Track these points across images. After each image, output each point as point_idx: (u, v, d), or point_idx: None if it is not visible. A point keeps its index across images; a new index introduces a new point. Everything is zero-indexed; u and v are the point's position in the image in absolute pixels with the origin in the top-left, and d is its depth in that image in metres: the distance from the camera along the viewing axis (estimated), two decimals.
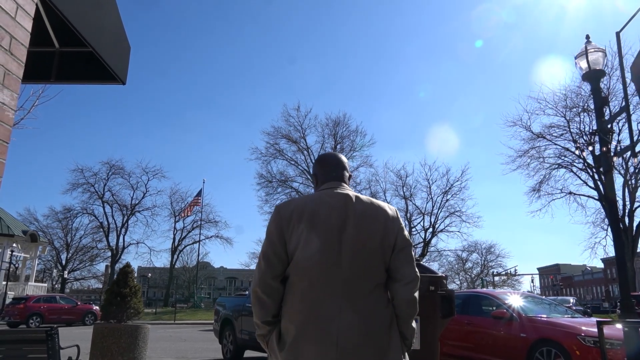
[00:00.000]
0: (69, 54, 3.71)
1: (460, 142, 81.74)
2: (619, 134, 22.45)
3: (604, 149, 5.31)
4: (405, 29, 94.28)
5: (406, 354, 1.94)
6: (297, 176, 43.47)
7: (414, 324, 1.97)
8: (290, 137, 42.50)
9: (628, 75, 5.52)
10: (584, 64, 6.07)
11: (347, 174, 2.17)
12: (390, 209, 2.04)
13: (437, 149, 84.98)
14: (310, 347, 1.79)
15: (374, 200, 2.05)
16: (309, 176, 43.07)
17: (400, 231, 1.99)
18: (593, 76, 6.00)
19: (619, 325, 6.88)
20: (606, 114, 6.39)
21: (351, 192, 2.03)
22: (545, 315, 7.67)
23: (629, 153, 25.46)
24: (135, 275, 6.44)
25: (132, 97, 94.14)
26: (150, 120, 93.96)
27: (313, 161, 38.30)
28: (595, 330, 6.69)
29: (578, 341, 6.52)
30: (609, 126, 5.91)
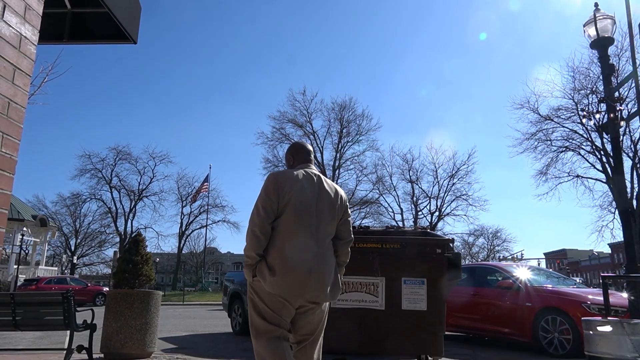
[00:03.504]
0: (80, 14, 3.75)
1: (467, 128, 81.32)
2: (628, 123, 22.23)
3: (612, 115, 5.32)
4: (416, 17, 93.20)
5: (340, 284, 2.78)
6: None
7: (344, 268, 2.90)
8: (296, 122, 42.47)
9: (637, 41, 5.49)
10: (592, 31, 6.04)
11: (313, 158, 3.01)
12: (343, 191, 2.93)
13: (443, 135, 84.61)
14: (294, 273, 2.54)
15: (334, 183, 2.92)
16: (315, 160, 43.00)
17: (347, 207, 2.91)
18: (601, 43, 5.97)
19: (624, 294, 6.95)
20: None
21: (320, 174, 2.86)
22: (551, 286, 7.72)
23: (637, 135, 25.35)
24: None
25: (137, 84, 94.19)
26: (156, 107, 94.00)
27: (320, 146, 38.18)
28: (601, 298, 6.77)
29: (583, 309, 6.58)
30: (617, 94, 5.90)
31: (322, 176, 2.85)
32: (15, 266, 28.75)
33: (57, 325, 5.33)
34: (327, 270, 2.65)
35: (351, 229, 2.90)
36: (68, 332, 5.39)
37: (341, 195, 2.85)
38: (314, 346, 2.72)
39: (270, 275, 2.53)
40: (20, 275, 28.36)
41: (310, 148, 3.01)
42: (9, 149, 1.83)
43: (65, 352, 5.23)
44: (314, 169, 2.87)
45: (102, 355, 5.76)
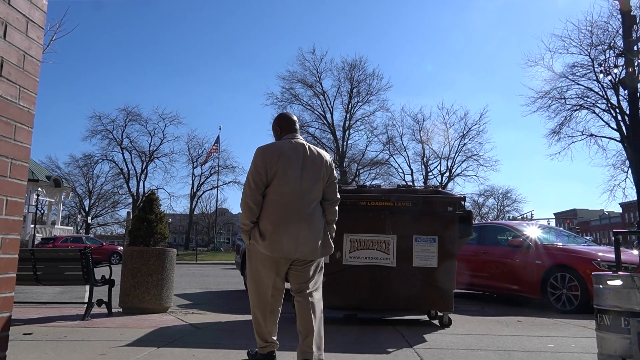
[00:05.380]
0: None
1: (479, 88, 79.86)
2: None
3: (630, 69, 5.18)
4: None
5: (331, 241, 3.11)
6: (313, 121, 43.01)
7: (334, 226, 3.19)
8: (305, 82, 41.96)
9: None
10: None
11: (298, 127, 3.29)
12: (328, 156, 3.20)
13: (455, 94, 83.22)
14: (282, 237, 2.90)
15: (319, 149, 3.19)
16: (324, 121, 42.81)
17: (333, 171, 3.18)
18: None
19: (635, 252, 6.97)
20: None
21: (305, 142, 3.14)
22: (561, 244, 7.75)
23: None
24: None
25: (144, 44, 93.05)
26: (164, 68, 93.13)
27: (330, 106, 37.80)
28: (611, 255, 6.80)
29: (593, 266, 6.61)
30: (636, 48, 5.72)
31: (307, 144, 3.14)
32: (32, 225, 29.42)
33: (76, 280, 5.50)
34: (315, 230, 2.99)
35: (337, 190, 3.21)
36: (87, 287, 5.57)
37: (326, 160, 3.14)
38: (315, 287, 3.07)
39: (261, 239, 2.91)
40: (37, 235, 29.08)
41: (295, 118, 3.31)
42: (27, 103, 1.84)
43: (85, 305, 5.42)
44: (299, 138, 3.17)
45: (120, 310, 5.95)
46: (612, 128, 27.19)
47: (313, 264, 3.06)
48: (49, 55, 9.89)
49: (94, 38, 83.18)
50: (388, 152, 43.28)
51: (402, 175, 43.94)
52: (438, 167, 44.50)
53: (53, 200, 34.63)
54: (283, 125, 3.24)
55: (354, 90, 42.45)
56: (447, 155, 43.83)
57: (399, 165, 44.36)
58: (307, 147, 3.10)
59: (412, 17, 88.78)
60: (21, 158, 1.81)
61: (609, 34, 25.06)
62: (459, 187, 44.65)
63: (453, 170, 43.91)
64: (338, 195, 3.21)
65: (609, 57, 25.12)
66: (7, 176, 1.73)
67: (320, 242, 3.01)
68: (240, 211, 3.02)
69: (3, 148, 1.70)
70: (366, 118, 42.81)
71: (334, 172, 3.21)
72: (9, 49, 1.73)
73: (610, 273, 3.32)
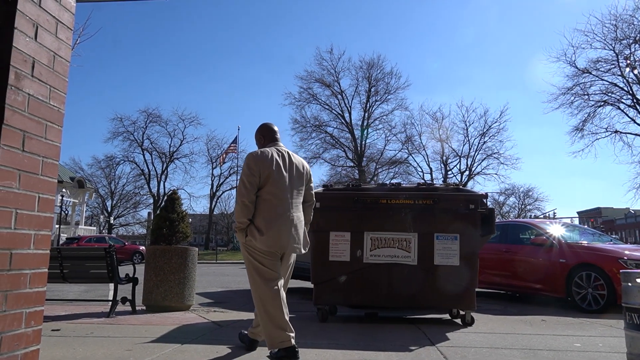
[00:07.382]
0: None
1: (499, 84, 78.86)
2: None
3: None
4: None
5: (307, 238, 3.54)
6: (331, 120, 43.05)
7: (308, 225, 3.63)
8: (323, 81, 41.96)
9: None
10: None
11: (279, 137, 3.65)
12: (305, 162, 3.62)
13: (474, 91, 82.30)
14: (276, 232, 3.24)
15: (299, 157, 3.59)
16: (342, 120, 42.76)
17: (311, 175, 3.63)
18: None
19: None
20: None
21: (287, 150, 3.52)
22: (586, 242, 7.60)
23: None
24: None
25: (160, 45, 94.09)
26: (182, 68, 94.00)
27: (348, 105, 37.76)
28: (638, 254, 6.66)
29: (620, 264, 6.46)
30: None
31: (290, 151, 3.51)
32: (57, 225, 30.04)
33: (101, 278, 5.61)
34: (300, 228, 3.40)
35: (313, 193, 3.65)
36: (111, 285, 5.67)
37: (306, 167, 3.57)
38: (287, 280, 3.53)
39: (259, 235, 3.23)
40: (61, 234, 29.69)
41: (276, 128, 3.65)
42: (57, 102, 1.88)
43: (110, 303, 5.52)
44: (282, 146, 3.52)
45: (144, 307, 6.04)
46: (638, 124, 26.59)
47: (291, 258, 3.51)
48: (73, 58, 10.09)
49: (107, 38, 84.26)
50: (407, 151, 43.05)
51: (421, 174, 43.67)
52: (458, 166, 44.08)
53: (77, 201, 35.32)
54: (266, 134, 3.60)
55: (372, 89, 42.33)
56: (466, 153, 43.41)
57: (417, 164, 44.09)
58: (290, 154, 3.49)
59: (428, 13, 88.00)
60: (52, 156, 1.85)
61: (635, 27, 24.56)
62: (479, 186, 44.13)
63: (473, 169, 43.49)
64: (314, 198, 3.66)
65: (634, 51, 24.61)
66: (39, 174, 1.77)
67: (303, 235, 3.43)
68: (236, 211, 3.34)
69: (35, 146, 1.75)
70: (384, 117, 42.66)
71: (311, 176, 3.65)
72: (39, 50, 1.78)
73: (639, 271, 3.25)
